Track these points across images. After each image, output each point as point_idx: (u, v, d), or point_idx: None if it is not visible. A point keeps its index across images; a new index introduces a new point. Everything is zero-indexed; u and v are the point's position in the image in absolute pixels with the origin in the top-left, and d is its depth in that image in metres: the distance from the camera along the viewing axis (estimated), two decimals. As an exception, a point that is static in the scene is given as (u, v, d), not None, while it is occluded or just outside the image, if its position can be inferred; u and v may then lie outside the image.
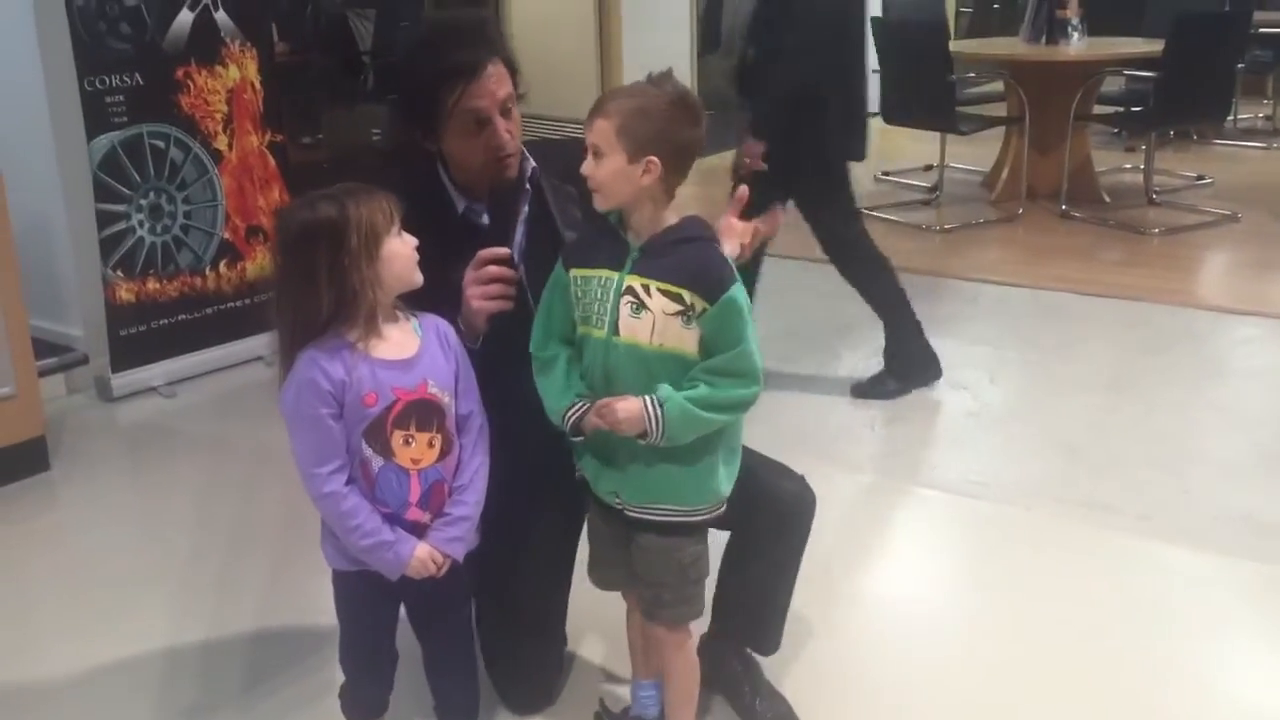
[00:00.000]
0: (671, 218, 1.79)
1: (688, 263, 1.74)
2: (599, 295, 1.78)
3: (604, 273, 1.79)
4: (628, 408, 1.74)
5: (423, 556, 1.77)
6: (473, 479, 1.82)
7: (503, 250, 1.93)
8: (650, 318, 1.74)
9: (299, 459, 1.72)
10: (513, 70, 2.03)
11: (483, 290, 1.90)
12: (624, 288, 1.76)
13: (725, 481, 1.86)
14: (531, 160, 2.11)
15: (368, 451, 1.72)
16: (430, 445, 1.75)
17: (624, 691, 2.22)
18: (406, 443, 1.73)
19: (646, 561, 1.88)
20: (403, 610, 1.91)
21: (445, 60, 1.98)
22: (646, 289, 1.74)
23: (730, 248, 1.88)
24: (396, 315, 1.77)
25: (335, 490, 1.71)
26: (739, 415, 1.83)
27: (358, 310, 1.69)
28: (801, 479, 2.12)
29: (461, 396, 1.82)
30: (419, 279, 1.76)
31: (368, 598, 1.83)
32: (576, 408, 1.81)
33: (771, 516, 2.05)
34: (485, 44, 1.99)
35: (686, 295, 1.72)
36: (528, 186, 2.11)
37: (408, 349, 1.75)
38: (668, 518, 1.84)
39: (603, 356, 1.79)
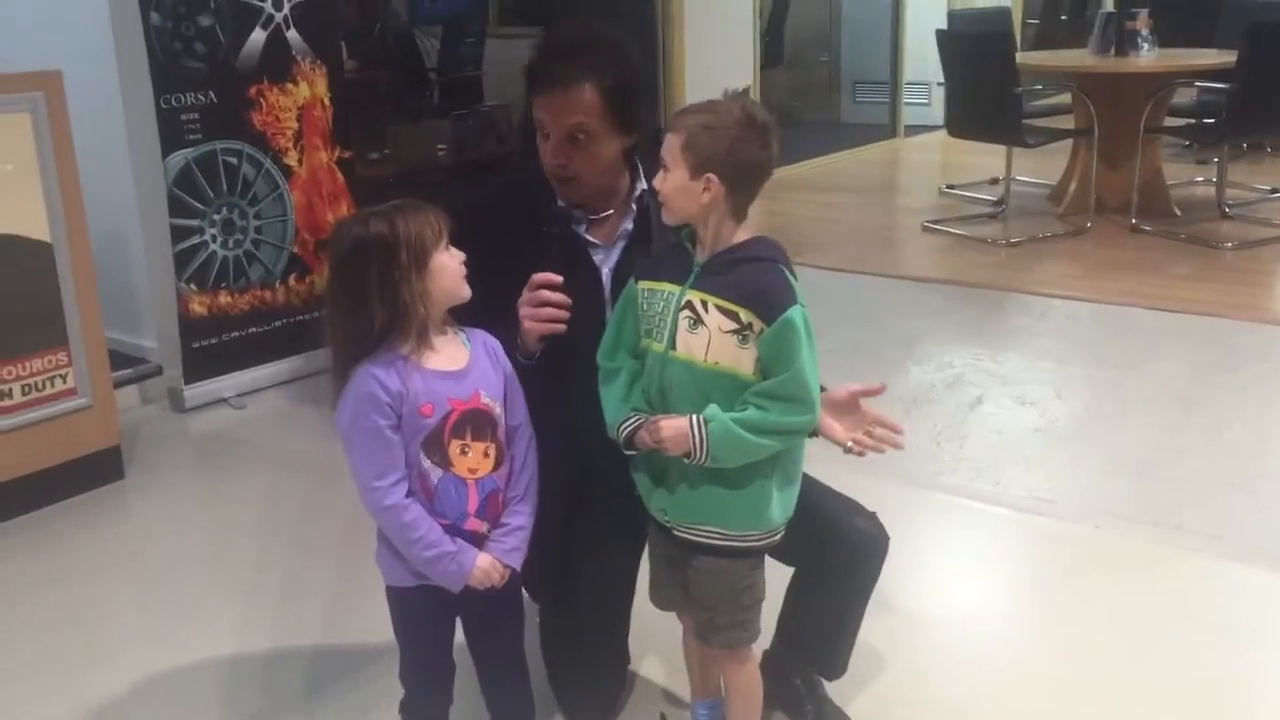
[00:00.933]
0: (741, 235, 1.78)
1: (748, 281, 1.73)
2: (661, 309, 1.79)
3: (668, 286, 1.79)
4: (673, 426, 1.73)
5: (484, 567, 1.78)
6: (527, 489, 1.85)
7: (554, 276, 1.93)
8: (706, 334, 1.74)
9: (358, 474, 1.74)
10: (614, 99, 1.97)
11: (533, 312, 1.92)
12: (683, 302, 1.76)
13: (779, 510, 1.82)
14: (645, 184, 2.09)
15: (426, 463, 1.74)
16: (486, 455, 1.78)
17: (686, 711, 2.21)
18: (463, 452, 1.75)
19: (699, 583, 1.87)
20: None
21: (536, 65, 2.00)
22: (705, 305, 1.74)
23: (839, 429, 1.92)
24: (445, 330, 1.79)
25: (398, 502, 1.72)
26: (790, 442, 1.79)
27: (409, 324, 1.71)
28: (873, 516, 2.08)
29: (510, 409, 1.84)
30: (466, 293, 1.77)
31: (426, 613, 1.84)
32: (631, 421, 1.81)
33: (842, 556, 2.01)
34: (582, 64, 1.95)
35: (744, 314, 1.71)
36: (633, 207, 2.10)
37: (459, 360, 1.78)
38: (714, 540, 1.82)
39: (660, 371, 1.79)
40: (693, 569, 1.87)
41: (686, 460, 1.76)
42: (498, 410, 1.80)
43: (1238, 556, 2.80)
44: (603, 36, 2.03)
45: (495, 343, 1.86)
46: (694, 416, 1.73)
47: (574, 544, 2.17)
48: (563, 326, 1.92)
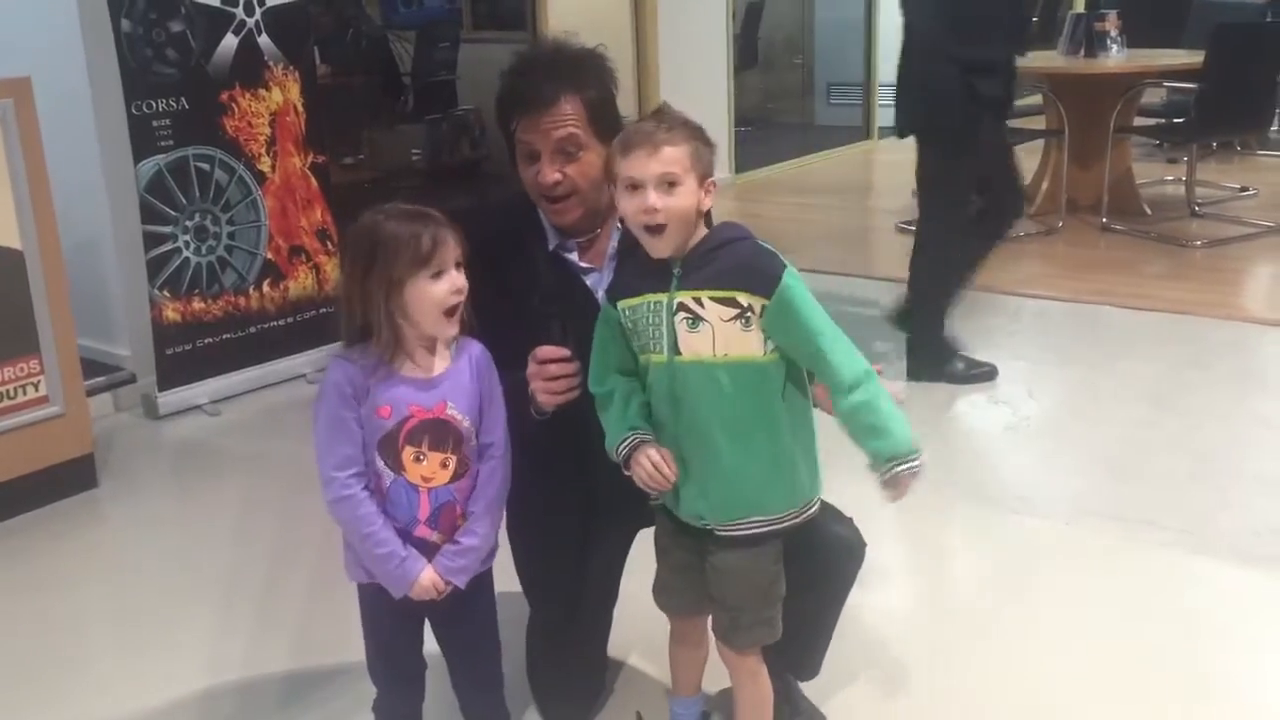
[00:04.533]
0: (703, 229, 1.80)
1: (732, 264, 1.74)
2: (651, 320, 1.79)
3: (650, 297, 1.79)
4: (899, 491, 1.79)
5: (426, 583, 1.76)
6: (488, 508, 1.82)
7: (561, 350, 1.91)
8: (709, 329, 1.74)
9: (320, 462, 1.74)
10: (597, 111, 1.98)
11: (546, 385, 1.90)
12: (675, 306, 1.76)
13: (809, 479, 1.85)
14: None
15: (380, 464, 1.74)
16: (443, 466, 1.76)
17: (663, 709, 2.22)
18: (418, 459, 1.74)
19: (724, 584, 1.87)
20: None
21: (513, 86, 2.00)
22: (699, 301, 1.74)
23: None
24: (437, 347, 1.77)
25: (352, 494, 1.73)
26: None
27: (382, 334, 1.71)
28: (850, 522, 2.09)
29: (486, 426, 1.81)
30: (449, 331, 1.74)
31: (391, 610, 1.83)
32: (628, 441, 1.82)
33: (819, 562, 2.01)
34: (562, 78, 1.95)
35: (741, 297, 1.72)
36: (618, 225, 2.06)
37: (433, 369, 1.77)
38: (758, 530, 1.83)
39: (668, 380, 1.79)
40: (715, 570, 1.87)
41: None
42: (465, 424, 1.77)
43: (1208, 552, 2.83)
44: (576, 50, 2.03)
45: (480, 353, 1.82)
46: (894, 463, 1.76)
47: (559, 548, 2.17)
48: (577, 393, 1.91)
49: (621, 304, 1.84)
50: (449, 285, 1.71)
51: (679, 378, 1.78)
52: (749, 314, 1.72)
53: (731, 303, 1.73)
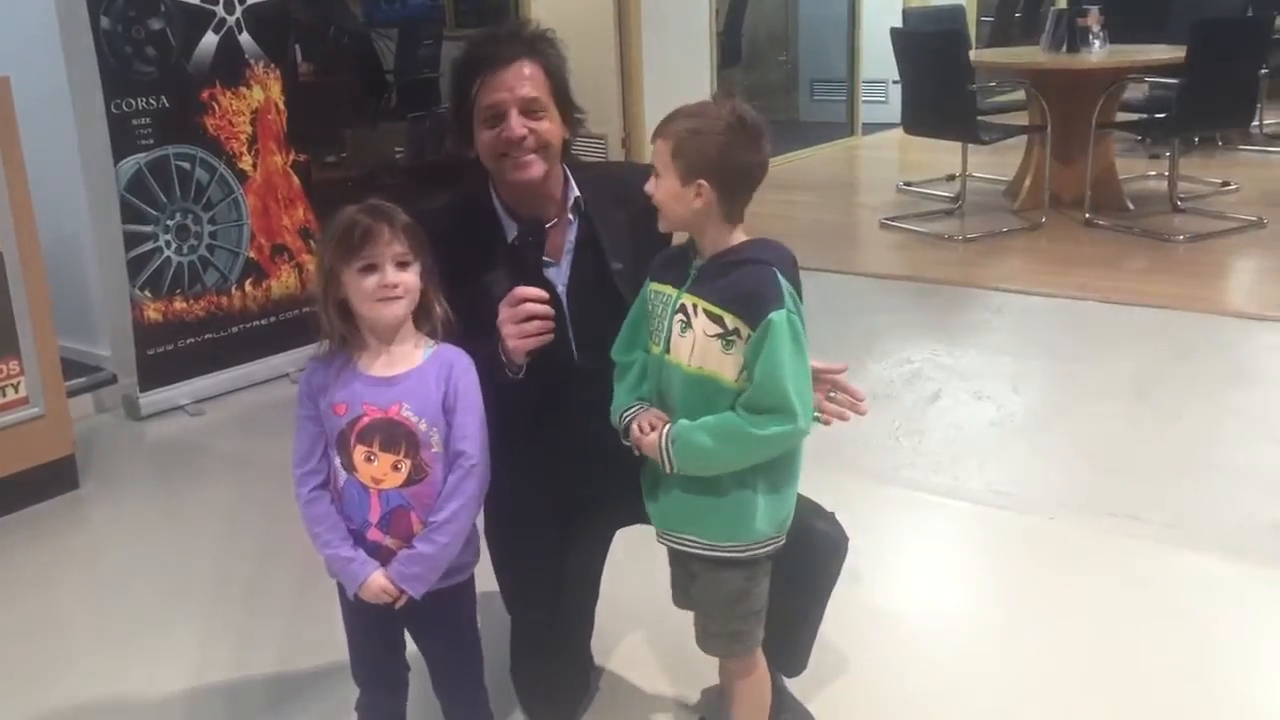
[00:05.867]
0: (739, 238, 1.77)
1: (736, 285, 1.71)
2: (661, 311, 1.79)
3: (668, 289, 1.79)
4: (648, 442, 1.76)
5: (375, 588, 1.74)
6: (450, 518, 1.75)
7: (538, 290, 1.90)
8: (692, 337, 1.73)
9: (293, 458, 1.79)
10: (556, 81, 2.00)
11: (519, 329, 1.88)
12: (678, 305, 1.76)
13: (766, 520, 1.78)
14: (577, 190, 2.09)
15: (336, 462, 1.75)
16: (395, 468, 1.73)
17: (644, 712, 2.22)
18: (369, 459, 1.73)
19: (695, 589, 1.88)
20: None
21: (473, 52, 2.00)
22: (695, 308, 1.74)
23: None
24: (406, 339, 1.77)
25: (303, 493, 1.77)
26: (772, 454, 1.74)
27: (327, 323, 1.75)
28: (832, 517, 2.07)
29: (456, 435, 1.76)
30: (388, 315, 1.73)
31: (369, 610, 1.81)
32: (632, 410, 1.82)
33: (802, 559, 1.99)
34: (520, 44, 1.98)
35: (729, 319, 1.70)
36: (571, 217, 2.08)
37: (396, 368, 1.75)
38: (696, 550, 1.82)
39: (657, 372, 1.80)
40: (689, 573, 1.87)
41: (662, 470, 1.77)
42: (421, 427, 1.73)
43: (1192, 545, 2.84)
44: (532, 28, 2.06)
45: (462, 366, 1.78)
46: (664, 430, 1.74)
47: (535, 549, 2.17)
48: (551, 338, 1.90)
49: (652, 286, 1.84)
50: (376, 280, 1.70)
51: (664, 374, 1.79)
52: (733, 337, 1.70)
53: (719, 321, 1.71)
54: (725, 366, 1.72)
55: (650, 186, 1.75)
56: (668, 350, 1.77)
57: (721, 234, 1.75)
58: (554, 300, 1.95)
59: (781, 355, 1.67)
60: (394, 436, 1.73)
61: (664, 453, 1.74)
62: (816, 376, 1.89)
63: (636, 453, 1.82)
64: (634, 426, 1.80)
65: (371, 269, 1.70)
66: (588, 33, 6.67)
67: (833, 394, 2.00)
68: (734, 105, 1.73)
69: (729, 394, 1.72)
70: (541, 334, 1.90)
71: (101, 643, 2.68)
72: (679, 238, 1.87)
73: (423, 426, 1.74)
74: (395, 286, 1.71)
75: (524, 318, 1.88)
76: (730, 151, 1.70)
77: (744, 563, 1.82)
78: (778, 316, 1.67)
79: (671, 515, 1.83)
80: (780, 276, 1.72)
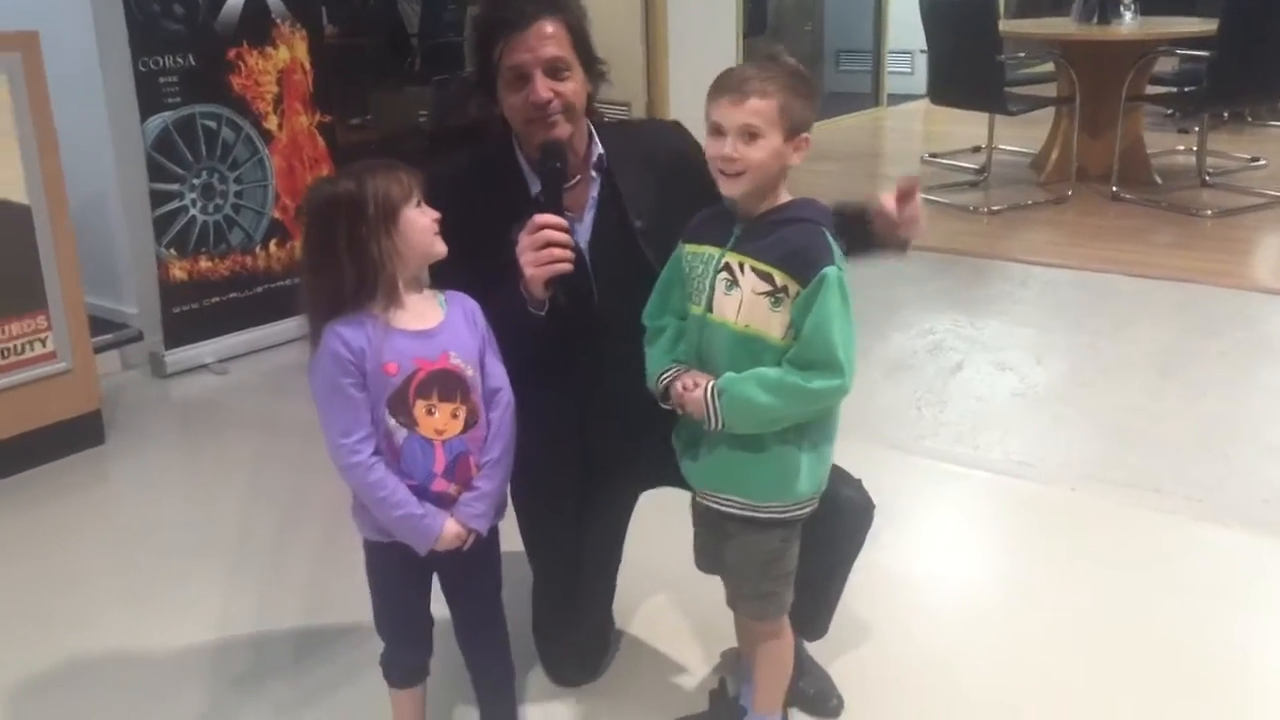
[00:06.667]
0: (785, 196, 1.78)
1: (785, 243, 1.72)
2: (701, 271, 1.79)
3: (709, 249, 1.79)
4: (693, 398, 1.74)
5: (449, 536, 1.78)
6: (502, 454, 1.83)
7: (558, 219, 1.89)
8: (739, 295, 1.73)
9: (327, 432, 1.74)
10: (578, 36, 1.99)
11: (535, 257, 1.87)
12: (722, 264, 1.76)
13: (807, 481, 1.80)
14: (600, 147, 2.08)
15: (392, 423, 1.73)
16: (454, 416, 1.76)
17: (664, 672, 2.23)
18: (430, 412, 1.74)
19: (729, 550, 1.88)
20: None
21: (493, 13, 1.99)
22: (741, 266, 1.74)
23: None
24: (422, 289, 1.79)
25: (362, 460, 1.72)
26: (816, 410, 1.75)
27: (378, 282, 1.71)
28: (859, 484, 2.07)
29: (489, 372, 1.82)
30: (441, 249, 1.77)
31: (400, 567, 1.84)
32: (670, 372, 1.82)
33: (829, 525, 1.98)
34: (542, 1, 1.96)
35: (778, 276, 1.70)
36: (594, 174, 2.07)
37: (430, 320, 1.77)
38: (736, 510, 1.82)
39: (699, 333, 1.79)
40: (723, 534, 1.88)
41: (706, 427, 1.76)
42: (469, 372, 1.78)
43: (1214, 519, 2.83)
44: None
45: (474, 305, 1.84)
46: (709, 384, 1.73)
47: (560, 509, 2.18)
48: (570, 266, 1.88)
49: (687, 248, 1.84)
50: (428, 211, 1.76)
51: (706, 334, 1.78)
52: (781, 295, 1.71)
53: (768, 279, 1.71)
54: (772, 325, 1.72)
55: (735, 150, 1.70)
56: (710, 309, 1.76)
57: (778, 193, 1.77)
58: (578, 255, 1.93)
59: (831, 310, 1.68)
60: (449, 385, 1.76)
61: (710, 406, 1.73)
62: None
63: (680, 411, 1.80)
64: (677, 385, 1.79)
65: (419, 204, 1.74)
66: (614, 1, 6.64)
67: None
68: (794, 63, 1.76)
69: (775, 352, 1.73)
70: (560, 261, 1.87)
71: (124, 596, 2.71)
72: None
73: (470, 371, 1.78)
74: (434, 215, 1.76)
75: (542, 244, 1.87)
76: (814, 104, 1.75)
77: (783, 523, 1.83)
78: (831, 272, 1.69)
79: (712, 475, 1.83)
80: (829, 235, 1.73)
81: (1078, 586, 2.59)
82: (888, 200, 1.91)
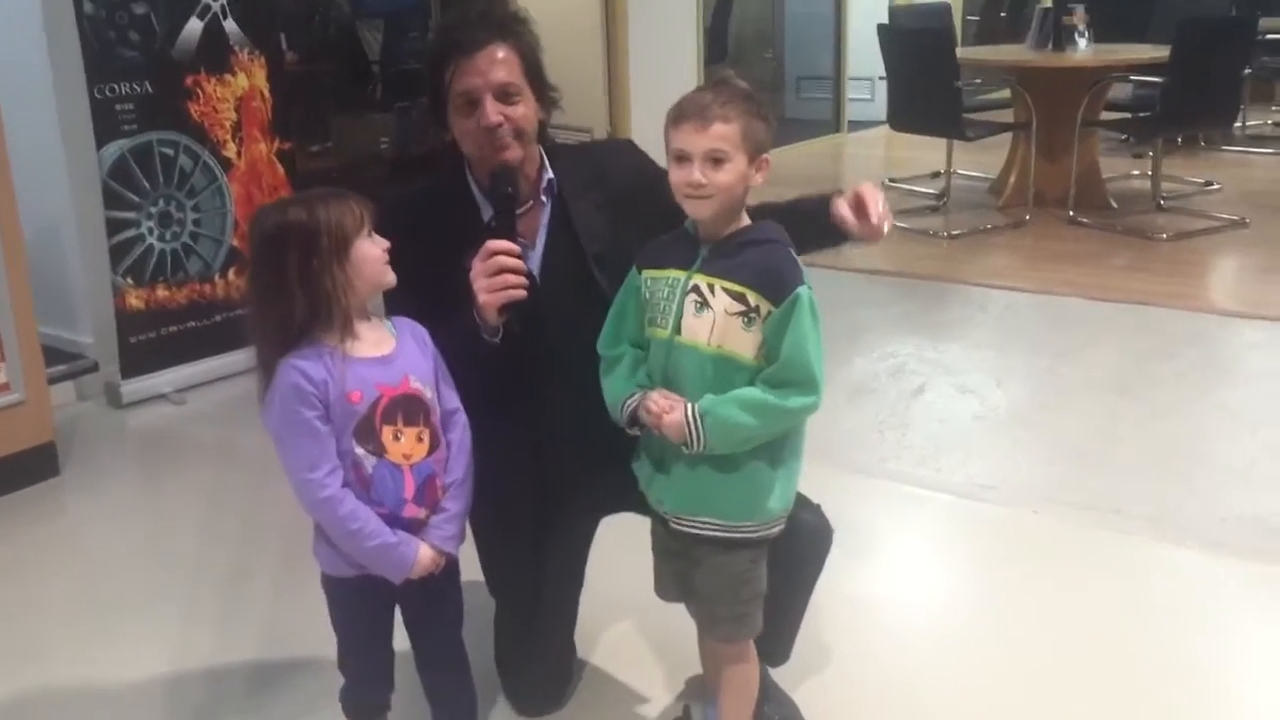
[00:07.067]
0: (745, 219, 1.80)
1: (755, 263, 1.73)
2: (666, 295, 1.79)
3: (673, 273, 1.79)
4: (673, 421, 1.73)
5: (425, 560, 1.77)
6: (465, 475, 1.83)
7: (510, 244, 1.89)
8: (711, 316, 1.73)
9: (290, 468, 1.70)
10: (529, 62, 1.99)
11: (488, 283, 1.86)
12: (690, 286, 1.76)
13: (777, 499, 1.81)
14: (550, 172, 2.08)
15: (360, 451, 1.71)
16: (419, 440, 1.76)
17: (628, 701, 2.21)
18: (396, 438, 1.73)
19: (699, 575, 1.87)
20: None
21: (445, 38, 1.99)
22: (711, 288, 1.74)
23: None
24: (370, 317, 1.78)
25: (333, 494, 1.69)
26: (791, 425, 1.78)
27: (331, 313, 1.69)
28: (818, 509, 2.07)
29: (445, 394, 1.83)
30: (391, 279, 1.76)
31: (364, 602, 1.82)
32: (635, 397, 1.81)
33: (787, 549, 1.97)
34: (493, 28, 1.96)
35: (751, 296, 1.72)
36: (545, 200, 2.07)
37: (384, 347, 1.76)
38: (712, 532, 1.82)
39: (664, 357, 1.79)
40: (691, 560, 1.87)
41: (685, 450, 1.75)
42: (429, 394, 1.78)
43: (1174, 539, 2.85)
44: (503, 8, 2.04)
45: (422, 330, 1.84)
46: (689, 407, 1.73)
47: (517, 537, 2.16)
48: (524, 293, 1.87)
49: (645, 273, 1.84)
50: (379, 241, 1.74)
51: (674, 357, 1.78)
52: (753, 314, 1.72)
53: (741, 299, 1.72)
54: (744, 344, 1.73)
55: (703, 176, 1.71)
56: (679, 332, 1.76)
57: (741, 214, 1.78)
58: (531, 282, 1.92)
59: (806, 329, 1.71)
60: (412, 409, 1.75)
61: (693, 430, 1.72)
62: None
63: (657, 433, 1.79)
64: (647, 407, 1.77)
65: (369, 234, 1.73)
66: (575, 27, 6.67)
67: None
68: (746, 86, 1.77)
69: (748, 372, 1.74)
70: (513, 288, 1.86)
71: (80, 629, 2.66)
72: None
73: (429, 394, 1.78)
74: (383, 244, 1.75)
75: (495, 270, 1.86)
76: (769, 125, 1.77)
77: (754, 543, 1.83)
78: (803, 292, 1.72)
79: (684, 498, 1.82)
80: (794, 255, 1.76)
81: (1040, 608, 2.59)
82: (845, 211, 1.93)
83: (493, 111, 1.94)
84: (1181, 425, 3.53)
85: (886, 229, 1.94)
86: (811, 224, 1.93)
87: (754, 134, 1.73)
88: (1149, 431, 3.49)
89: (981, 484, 3.18)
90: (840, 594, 2.54)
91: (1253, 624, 2.54)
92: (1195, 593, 2.64)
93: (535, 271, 2.02)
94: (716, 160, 1.71)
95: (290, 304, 1.68)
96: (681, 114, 1.74)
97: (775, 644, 2.16)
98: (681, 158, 1.74)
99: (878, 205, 1.93)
